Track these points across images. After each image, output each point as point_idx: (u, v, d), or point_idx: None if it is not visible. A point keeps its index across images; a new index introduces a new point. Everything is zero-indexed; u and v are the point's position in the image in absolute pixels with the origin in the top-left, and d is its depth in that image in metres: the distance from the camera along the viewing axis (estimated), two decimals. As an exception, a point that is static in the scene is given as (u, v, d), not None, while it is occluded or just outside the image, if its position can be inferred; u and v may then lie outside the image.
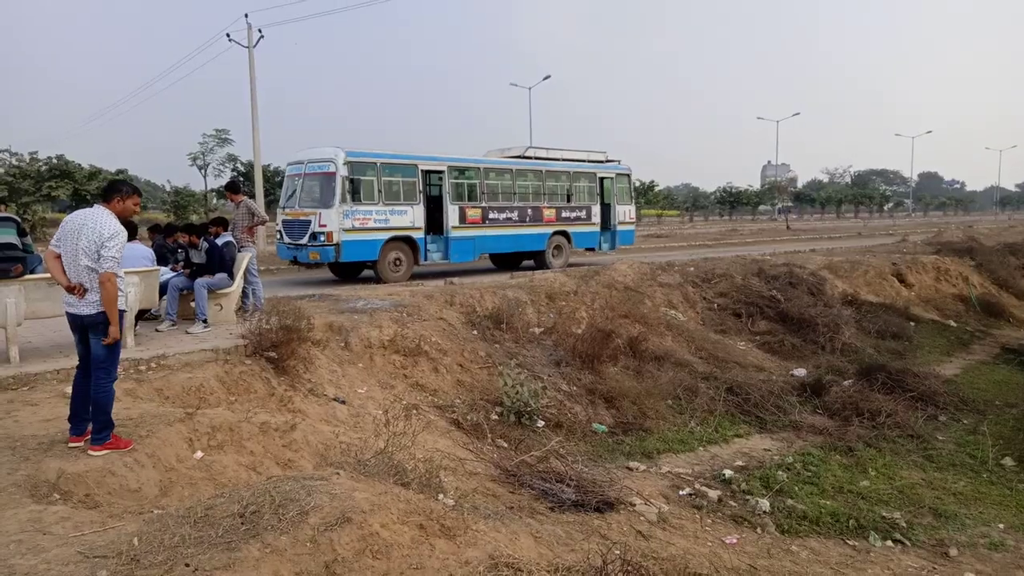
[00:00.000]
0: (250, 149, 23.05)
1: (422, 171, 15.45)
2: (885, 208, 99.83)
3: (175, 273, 8.93)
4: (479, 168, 17.12)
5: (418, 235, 15.29)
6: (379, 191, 14.59)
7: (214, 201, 41.64)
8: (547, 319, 11.99)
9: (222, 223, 9.27)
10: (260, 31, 24.50)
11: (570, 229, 18.58)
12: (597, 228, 19.41)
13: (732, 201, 72.21)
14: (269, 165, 40.08)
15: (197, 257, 8.80)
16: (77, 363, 4.98)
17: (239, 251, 9.28)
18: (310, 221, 14.19)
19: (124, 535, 3.51)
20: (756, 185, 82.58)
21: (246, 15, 24.41)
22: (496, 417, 8.48)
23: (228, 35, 24.38)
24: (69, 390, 5.44)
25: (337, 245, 13.93)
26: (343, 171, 13.99)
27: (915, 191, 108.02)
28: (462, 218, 16.23)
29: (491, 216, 16.85)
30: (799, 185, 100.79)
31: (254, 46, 24.05)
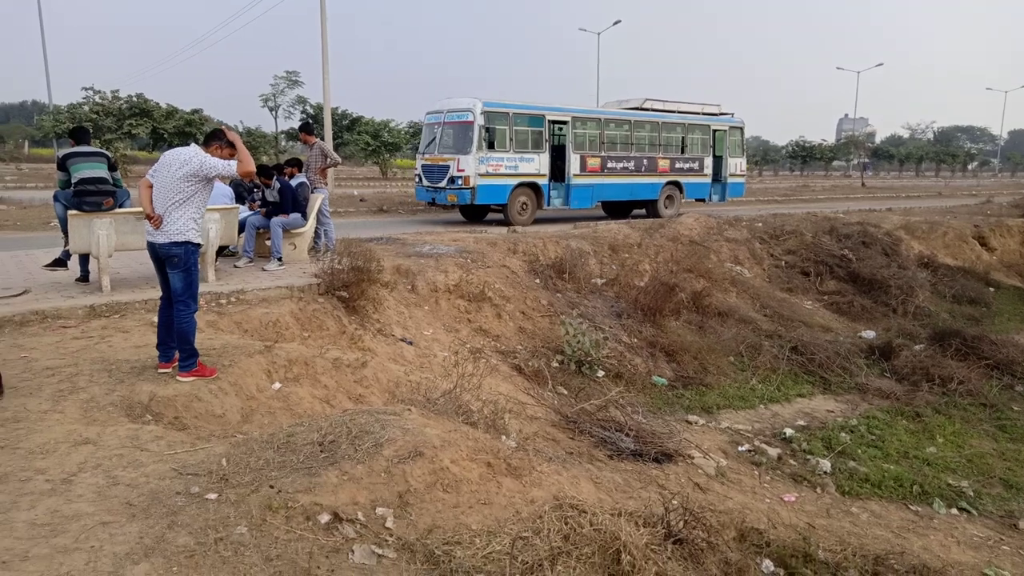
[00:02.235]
0: (320, 92, 23.26)
1: (548, 121, 16.14)
2: (969, 167, 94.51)
3: (252, 212, 9.22)
4: (600, 119, 17.63)
5: (543, 181, 16.09)
6: (510, 139, 15.44)
7: (284, 142, 42.38)
8: (610, 271, 11.95)
9: (297, 164, 9.48)
10: (331, -29, 24.40)
11: (683, 180, 18.98)
12: (709, 179, 19.78)
13: (804, 156, 69.44)
14: (338, 108, 40.45)
15: (271, 196, 9.06)
16: (161, 294, 5.24)
17: (312, 192, 9.51)
18: (448, 166, 15.18)
19: (213, 456, 3.75)
20: (830, 139, 79.06)
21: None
22: (557, 365, 8.60)
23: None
24: (156, 319, 5.77)
25: (473, 189, 14.90)
26: (480, 120, 14.85)
27: (1004, 150, 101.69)
28: (582, 166, 16.90)
29: (609, 165, 17.45)
30: (877, 140, 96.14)
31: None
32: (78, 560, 2.67)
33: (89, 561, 2.67)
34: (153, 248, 5.04)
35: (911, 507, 6.17)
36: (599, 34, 44.44)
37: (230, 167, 4.98)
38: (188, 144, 5.12)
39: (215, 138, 5.13)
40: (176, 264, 4.99)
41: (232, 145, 5.13)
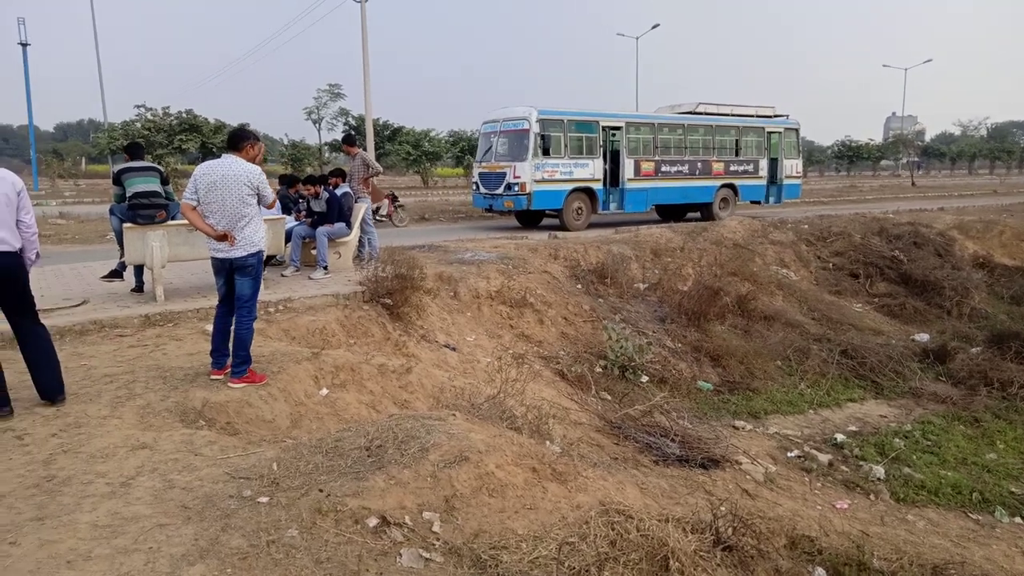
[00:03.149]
0: (362, 104, 23.64)
1: (602, 127, 16.32)
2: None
3: (298, 222, 9.41)
4: (653, 124, 17.78)
5: (597, 186, 16.30)
6: (565, 146, 15.70)
7: (327, 154, 43.14)
8: (652, 275, 11.86)
9: (341, 174, 9.66)
10: (371, -16, 24.82)
11: (737, 182, 19.02)
12: (764, 182, 19.76)
13: (851, 156, 67.85)
14: (379, 119, 41.05)
15: (318, 207, 9.23)
16: (218, 302, 5.38)
17: (356, 201, 9.66)
18: (505, 173, 15.53)
19: (264, 460, 3.83)
20: (878, 139, 77.08)
21: (358, -31, 24.75)
22: (600, 370, 8.55)
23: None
24: (208, 327, 5.92)
25: (529, 195, 15.21)
26: (535, 128, 15.13)
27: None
28: (636, 171, 17.08)
29: (663, 169, 17.59)
30: (927, 139, 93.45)
31: (366, 0, 24.43)
32: (137, 561, 2.76)
33: (148, 562, 2.75)
34: (223, 262, 5.16)
35: (971, 515, 5.96)
36: (637, 39, 44.31)
37: (270, 196, 5.30)
38: (221, 156, 5.21)
39: (244, 138, 5.25)
40: (249, 272, 5.17)
41: (259, 139, 5.38)
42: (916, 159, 68.58)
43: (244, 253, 5.09)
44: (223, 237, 5.04)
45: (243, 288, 5.16)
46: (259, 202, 5.20)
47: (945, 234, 15.98)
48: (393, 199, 18.58)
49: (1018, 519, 5.90)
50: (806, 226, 15.76)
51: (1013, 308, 13.14)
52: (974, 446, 7.39)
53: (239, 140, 5.23)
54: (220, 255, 5.14)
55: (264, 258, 5.32)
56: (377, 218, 18.18)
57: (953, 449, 7.25)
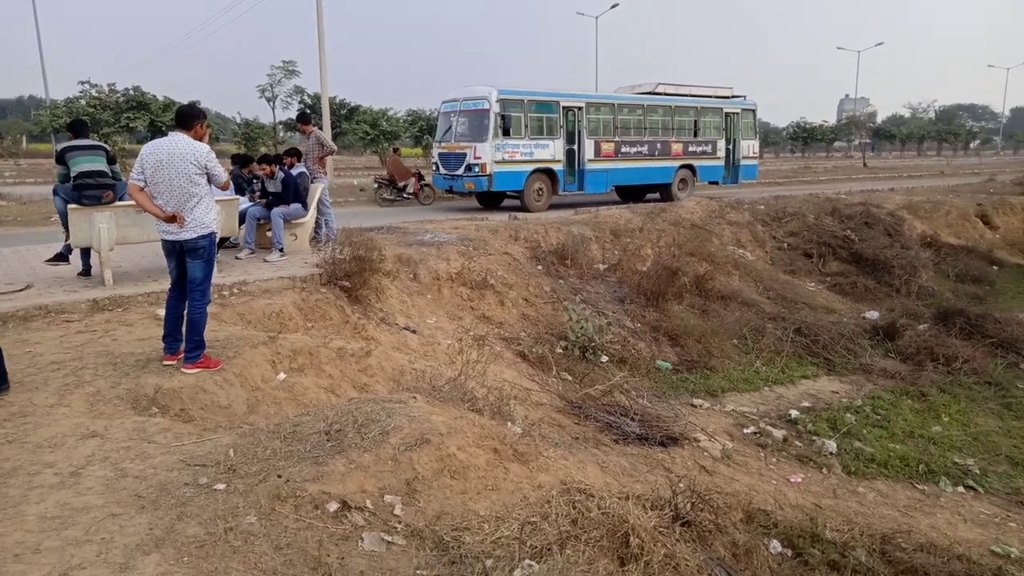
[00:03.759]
0: (317, 81, 23.15)
1: (562, 107, 16.21)
2: (971, 146, 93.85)
3: (252, 203, 9.20)
4: (613, 104, 17.72)
5: (558, 167, 16.19)
6: (525, 126, 15.54)
7: (282, 133, 42.20)
8: (612, 256, 11.93)
9: (296, 154, 9.44)
10: (326, -41, 24.19)
11: (696, 163, 19.08)
12: (722, 162, 19.87)
13: (805, 137, 69.09)
14: (335, 97, 40.27)
15: (272, 187, 9.02)
16: (170, 286, 5.23)
17: (312, 181, 9.47)
18: (465, 154, 15.33)
19: (220, 446, 3.76)
20: (831, 120, 78.58)
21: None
22: (561, 351, 8.60)
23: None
24: (160, 312, 5.77)
25: (490, 176, 15.03)
26: (496, 108, 14.91)
27: (1006, 128, 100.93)
28: (596, 152, 16.99)
29: (623, 150, 17.54)
30: (879, 120, 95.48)
31: (320, -25, 23.80)
32: (89, 552, 2.68)
33: (100, 553, 2.68)
34: (173, 244, 5.02)
35: (917, 486, 6.18)
36: (597, 18, 44.21)
37: (222, 177, 5.14)
38: (169, 135, 5.02)
39: (194, 117, 5.07)
40: (200, 255, 5.02)
41: (205, 116, 5.23)
42: (867, 141, 70.14)
43: (194, 235, 4.95)
44: (172, 218, 4.89)
45: (195, 271, 5.02)
46: (210, 182, 5.05)
47: (895, 214, 16.42)
48: (419, 177, 18.38)
49: (961, 488, 6.14)
50: (762, 207, 16.02)
51: (958, 286, 13.62)
52: (921, 419, 7.64)
53: (188, 119, 5.04)
54: (170, 237, 4.99)
55: (217, 240, 5.18)
56: (404, 195, 18.02)
57: (901, 423, 7.49)
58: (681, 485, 3.93)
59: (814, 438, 6.98)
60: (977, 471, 6.41)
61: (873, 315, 11.37)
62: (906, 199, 18.66)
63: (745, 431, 7.11)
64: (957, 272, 14.17)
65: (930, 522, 5.44)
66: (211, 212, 5.06)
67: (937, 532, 5.16)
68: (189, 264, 5.02)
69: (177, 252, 5.04)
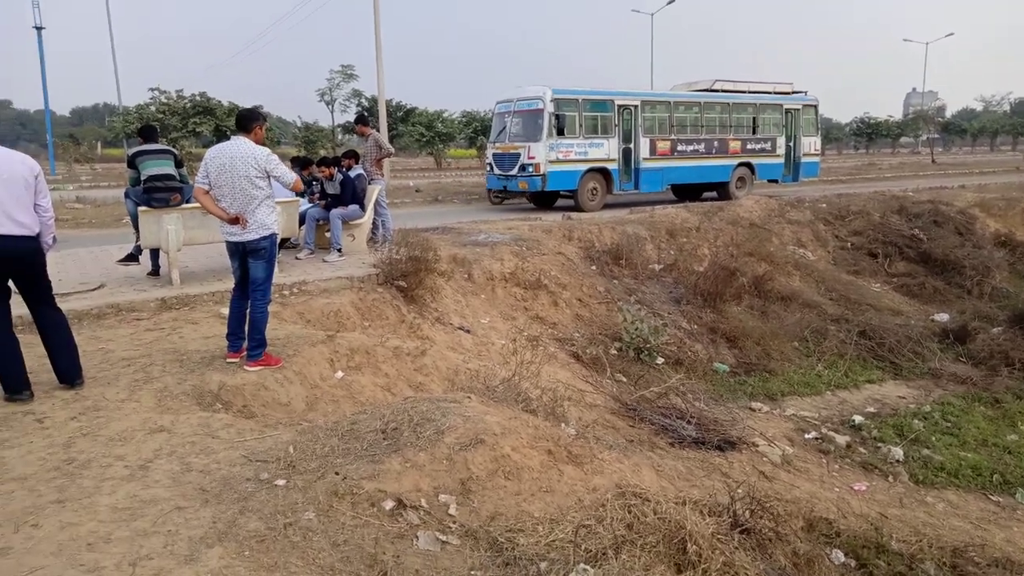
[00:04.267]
0: (374, 84, 23.53)
1: (617, 106, 16.11)
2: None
3: (312, 205, 9.40)
4: (669, 102, 17.52)
5: (612, 166, 16.06)
6: (580, 125, 15.50)
7: (340, 136, 43.08)
8: (667, 256, 11.77)
9: (353, 156, 9.61)
10: (383, -36, 24.59)
11: (754, 161, 18.67)
12: (781, 160, 19.38)
13: (870, 133, 66.87)
14: (392, 100, 40.89)
15: (332, 188, 9.21)
16: (233, 286, 5.39)
17: (370, 183, 9.63)
18: (519, 154, 15.33)
19: (280, 443, 3.85)
20: (897, 115, 75.75)
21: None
22: (615, 352, 8.52)
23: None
24: (224, 311, 5.94)
25: (543, 176, 14.99)
26: (550, 107, 14.90)
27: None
28: (652, 150, 16.81)
29: (679, 148, 17.32)
30: (948, 115, 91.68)
31: (378, -21, 24.19)
32: (156, 543, 2.77)
33: (167, 544, 2.77)
34: (237, 245, 5.15)
35: (992, 497, 5.90)
36: (652, 15, 43.66)
37: (290, 178, 5.22)
38: (231, 139, 5.16)
39: (254, 119, 5.19)
40: (262, 255, 5.15)
41: (265, 119, 5.36)
42: (935, 136, 67.42)
43: (256, 236, 5.07)
44: (235, 220, 5.03)
45: (257, 271, 5.15)
46: (280, 183, 5.18)
47: (966, 212, 15.73)
48: None
49: (1040, 501, 5.84)
50: (824, 205, 15.57)
51: (1035, 287, 12.95)
52: (995, 427, 7.31)
53: (247, 121, 5.18)
54: (233, 238, 5.13)
55: (278, 241, 5.30)
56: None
57: (973, 430, 7.17)
58: (740, 491, 3.85)
59: (879, 445, 6.75)
60: (1057, 483, 6.09)
61: (943, 317, 10.92)
62: (978, 196, 17.84)
63: (806, 436, 6.92)
64: (1034, 273, 13.51)
65: (1006, 536, 5.19)
66: (272, 214, 5.18)
67: (1013, 547, 4.92)
68: (251, 264, 5.15)
69: (240, 253, 5.18)
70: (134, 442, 3.81)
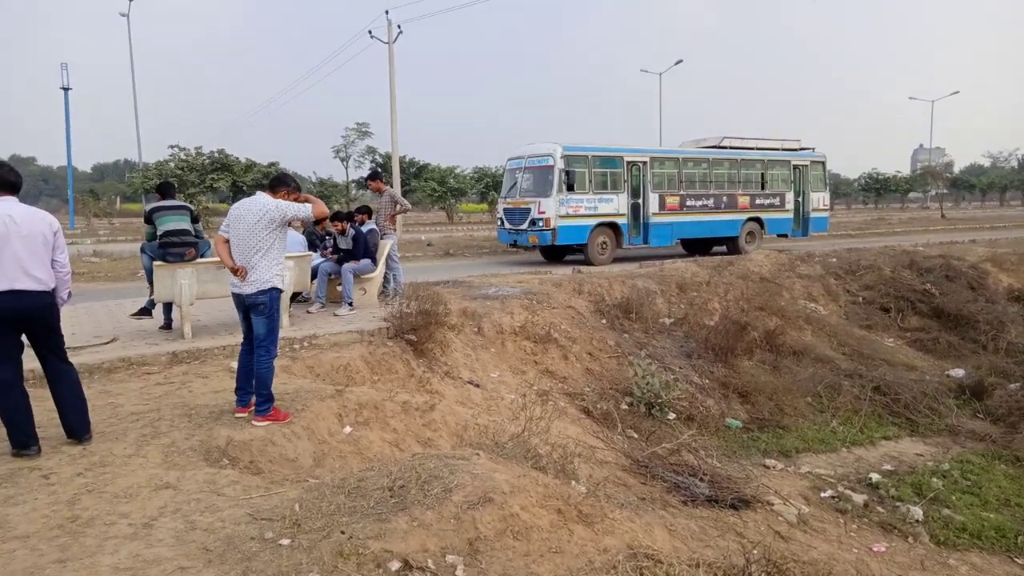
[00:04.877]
0: (388, 142, 24.03)
1: (626, 162, 16.44)
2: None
3: (324, 259, 9.50)
4: (678, 159, 17.89)
5: (622, 221, 16.34)
6: (589, 181, 15.84)
7: (354, 191, 43.79)
8: (678, 310, 11.75)
9: (366, 211, 9.76)
10: (399, 27, 25.42)
11: (763, 216, 18.94)
12: (790, 215, 19.64)
13: (878, 188, 67.25)
14: (405, 156, 41.67)
15: (344, 243, 9.32)
16: (242, 340, 5.41)
17: (382, 238, 9.74)
18: (530, 209, 15.67)
19: (286, 500, 3.80)
20: (905, 171, 76.28)
21: (387, 12, 25.40)
22: (626, 407, 8.44)
23: (370, 32, 25.53)
24: (235, 365, 5.94)
25: (554, 230, 15.27)
26: (560, 164, 15.26)
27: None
28: (661, 205, 17.11)
29: (688, 203, 17.60)
30: (956, 170, 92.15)
31: (393, 41, 24.98)
32: (158, 604, 2.72)
33: (168, 606, 2.72)
34: (239, 298, 5.22)
35: (1017, 560, 5.71)
36: (661, 74, 44.65)
37: (305, 210, 5.16)
38: (255, 194, 5.29)
39: (282, 184, 5.31)
40: (261, 311, 5.15)
41: (299, 190, 5.35)
42: (944, 191, 67.67)
43: (253, 290, 5.08)
44: (235, 271, 5.10)
45: (258, 327, 5.17)
46: (300, 217, 5.17)
47: (978, 267, 15.67)
48: None
49: (1067, 565, 5.65)
50: (834, 259, 15.56)
51: (1052, 342, 12.77)
52: (1017, 486, 7.12)
53: (275, 182, 5.33)
54: (235, 290, 5.21)
55: (288, 295, 5.33)
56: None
57: (994, 489, 6.99)
58: (755, 552, 3.75)
59: (898, 504, 6.58)
60: (1084, 545, 5.89)
61: (958, 373, 10.77)
62: (990, 251, 17.80)
63: (822, 495, 6.76)
64: (1050, 328, 13.34)
65: (1033, 601, 5.00)
66: (273, 268, 5.15)
67: (1041, 613, 4.74)
68: (253, 319, 5.18)
69: (243, 307, 5.23)
70: (139, 499, 3.78)
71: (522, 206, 15.93)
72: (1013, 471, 7.49)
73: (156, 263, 7.38)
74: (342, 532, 3.36)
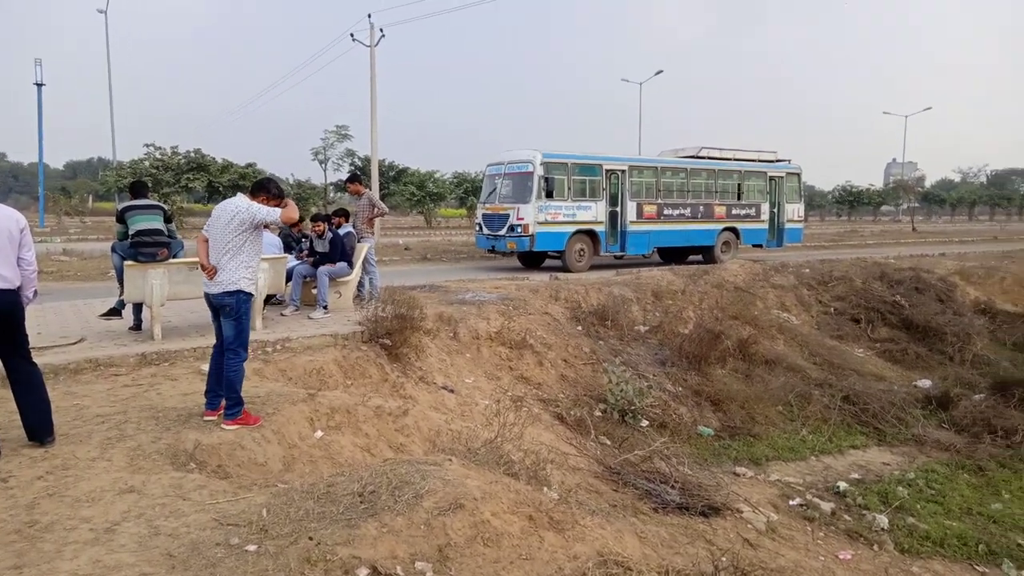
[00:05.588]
0: (368, 145, 23.93)
1: (605, 170, 16.54)
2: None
3: (299, 261, 9.43)
4: (656, 168, 18.05)
5: (600, 228, 16.45)
6: (568, 188, 15.94)
7: (332, 194, 43.49)
8: (653, 318, 11.82)
9: (344, 214, 9.70)
10: (381, 30, 25.36)
11: (739, 226, 19.16)
12: (766, 225, 19.90)
13: (852, 200, 68.35)
14: (384, 160, 41.51)
15: (320, 246, 9.25)
16: (214, 342, 5.34)
17: (359, 241, 9.68)
18: (509, 215, 15.70)
19: (254, 506, 3.75)
20: (878, 184, 77.65)
21: (369, 15, 25.35)
22: (600, 414, 8.46)
23: (352, 35, 25.43)
24: (205, 367, 5.87)
25: (532, 236, 15.40)
26: (539, 171, 15.35)
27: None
28: (639, 214, 17.21)
29: (665, 212, 17.76)
30: (927, 185, 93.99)
31: (375, 45, 24.91)
32: (118, 611, 2.67)
33: (129, 612, 2.67)
34: (209, 298, 5.20)
35: (978, 568, 5.83)
36: (641, 84, 44.94)
37: (273, 214, 5.13)
38: (236, 195, 5.27)
39: (262, 189, 5.29)
40: (229, 313, 5.11)
41: (279, 197, 5.29)
42: (915, 205, 68.94)
43: (219, 290, 5.06)
44: (204, 268, 5.11)
45: (226, 330, 5.13)
46: (270, 220, 5.14)
47: (946, 280, 15.98)
48: None
49: (1026, 573, 5.76)
50: (807, 270, 15.77)
51: (1016, 355, 13.07)
52: (979, 495, 7.26)
53: (256, 188, 5.30)
54: (205, 288, 5.19)
55: (250, 301, 5.26)
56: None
57: (958, 498, 7.13)
58: (724, 559, 3.79)
59: (864, 512, 6.68)
60: (1044, 554, 6.02)
61: (925, 383, 10.96)
62: (958, 264, 18.18)
63: (791, 503, 6.84)
64: (1015, 340, 13.65)
65: (993, 609, 5.10)
66: (242, 271, 5.09)
67: (1001, 620, 4.83)
68: (222, 321, 5.15)
69: (213, 307, 5.20)
70: (102, 503, 3.71)
71: (501, 212, 15.95)
72: (975, 480, 7.64)
73: (127, 263, 7.27)
74: (310, 538, 3.33)
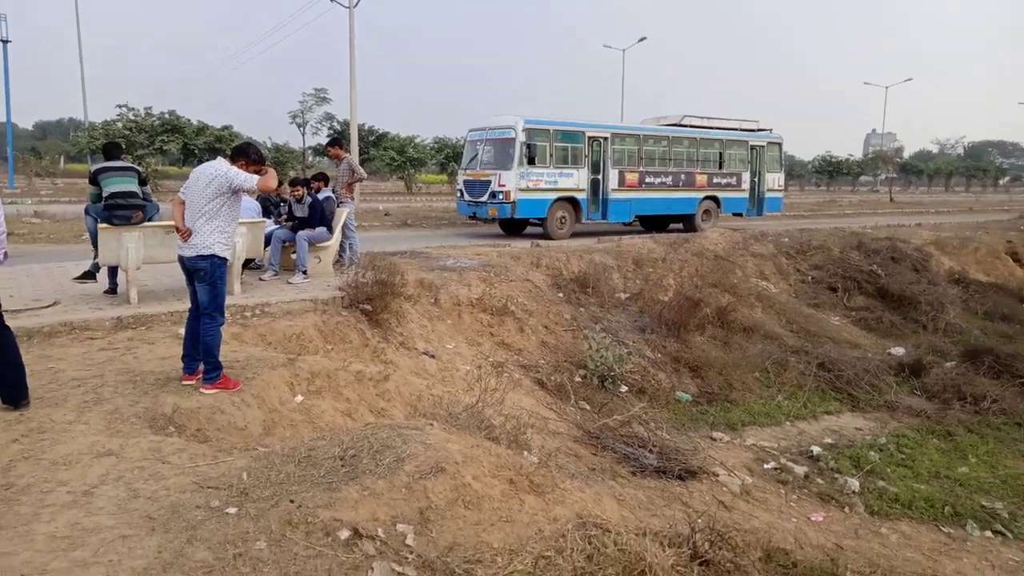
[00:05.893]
0: (347, 108, 23.51)
1: (588, 137, 16.42)
2: (1001, 182, 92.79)
3: (278, 226, 9.31)
4: (638, 135, 17.97)
5: (581, 196, 16.36)
6: (550, 155, 15.80)
7: (311, 158, 42.85)
8: (633, 285, 11.87)
9: (323, 179, 9.56)
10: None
11: (720, 195, 19.18)
12: (746, 194, 19.94)
13: (831, 171, 68.71)
14: (364, 124, 40.86)
15: (299, 211, 9.14)
16: (190, 306, 5.28)
17: (338, 206, 9.57)
18: (490, 181, 15.57)
19: (234, 469, 3.75)
20: (858, 155, 78.06)
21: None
22: (580, 380, 8.53)
23: (330, -6, 24.75)
24: (182, 331, 5.80)
25: (513, 203, 15.25)
26: (522, 137, 15.17)
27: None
28: (621, 181, 17.15)
29: (647, 180, 17.70)
30: (905, 156, 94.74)
31: (355, 6, 24.34)
32: (96, 574, 2.67)
33: (107, 575, 2.66)
34: (183, 261, 5.14)
35: (943, 529, 5.99)
36: (624, 51, 44.53)
37: (251, 180, 5.03)
38: (215, 158, 5.17)
39: (241, 154, 5.19)
40: (203, 277, 5.05)
41: (260, 163, 5.20)
42: (893, 176, 69.51)
43: (192, 253, 5.01)
44: (179, 230, 5.05)
45: (201, 295, 5.08)
46: (246, 188, 5.07)
47: (922, 250, 16.18)
48: None
49: (988, 533, 5.95)
50: (786, 239, 15.88)
51: (987, 324, 13.31)
52: (947, 460, 7.45)
53: (236, 153, 5.23)
54: (180, 252, 5.13)
55: (225, 265, 5.19)
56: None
57: (926, 463, 7.31)
58: (700, 522, 3.85)
59: (836, 476, 6.83)
60: (1006, 515, 6.21)
61: (899, 351, 11.16)
62: (934, 235, 18.40)
63: (765, 466, 6.97)
64: (986, 310, 13.90)
65: (956, 567, 5.27)
66: (216, 235, 5.03)
67: (965, 579, 4.99)
68: (196, 286, 5.10)
69: (188, 271, 5.14)
70: (79, 466, 3.68)
71: (482, 178, 15.83)
72: (944, 445, 7.83)
73: (101, 225, 7.13)
74: (291, 501, 3.33)
